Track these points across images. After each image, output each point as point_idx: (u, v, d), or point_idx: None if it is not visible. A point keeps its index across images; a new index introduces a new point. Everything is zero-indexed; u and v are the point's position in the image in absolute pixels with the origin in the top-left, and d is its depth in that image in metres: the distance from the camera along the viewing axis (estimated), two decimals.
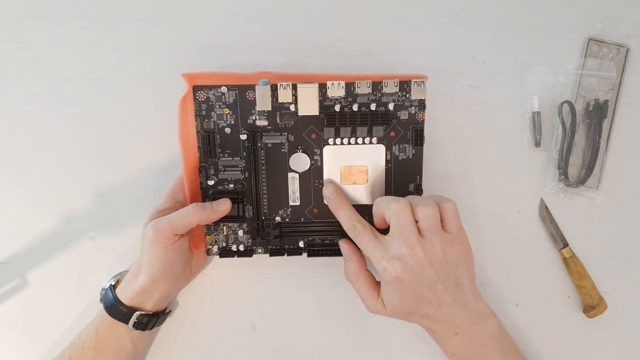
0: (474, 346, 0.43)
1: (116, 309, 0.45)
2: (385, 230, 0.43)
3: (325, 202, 0.47)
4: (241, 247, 0.48)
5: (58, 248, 0.52)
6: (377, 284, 0.45)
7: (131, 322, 0.45)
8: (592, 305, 0.51)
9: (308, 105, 0.44)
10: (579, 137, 0.52)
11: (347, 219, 0.44)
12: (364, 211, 0.47)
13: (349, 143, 0.46)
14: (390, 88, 0.45)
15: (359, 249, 0.45)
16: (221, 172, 0.47)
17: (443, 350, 0.46)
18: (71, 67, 0.51)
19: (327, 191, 0.46)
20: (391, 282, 0.41)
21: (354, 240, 0.44)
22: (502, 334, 0.44)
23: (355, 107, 0.45)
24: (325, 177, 0.47)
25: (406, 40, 0.51)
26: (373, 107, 0.45)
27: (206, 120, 0.46)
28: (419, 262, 0.40)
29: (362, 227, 0.43)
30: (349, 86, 0.45)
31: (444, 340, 0.44)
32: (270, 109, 0.45)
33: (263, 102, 0.44)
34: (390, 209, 0.41)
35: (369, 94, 0.45)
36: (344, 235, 0.48)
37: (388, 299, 0.43)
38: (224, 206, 0.45)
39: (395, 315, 0.44)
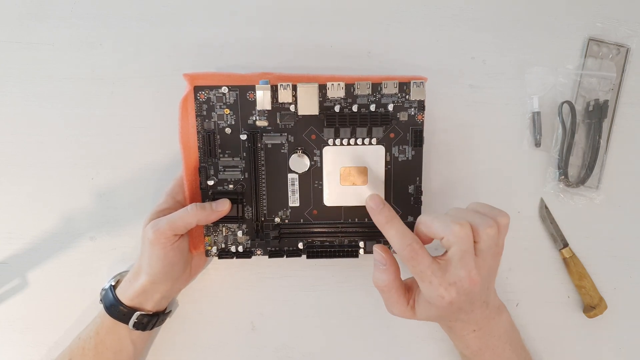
0: (488, 340, 0.43)
1: (116, 309, 0.45)
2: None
3: (370, 214, 0.42)
4: (240, 249, 0.48)
5: (58, 248, 0.52)
6: (408, 290, 0.42)
7: (131, 322, 0.45)
8: (592, 305, 0.51)
9: (308, 105, 0.44)
10: (579, 137, 0.52)
11: (401, 238, 0.39)
12: (364, 213, 0.47)
13: (349, 144, 0.46)
14: (390, 89, 0.45)
15: (393, 257, 0.42)
16: (221, 173, 0.47)
17: (455, 343, 0.45)
18: (71, 67, 0.51)
19: (372, 202, 0.42)
20: (442, 306, 0.39)
21: (407, 262, 0.39)
22: (513, 328, 0.45)
23: (354, 108, 0.45)
24: (324, 179, 0.47)
25: (406, 40, 0.51)
26: (372, 108, 0.45)
27: (207, 120, 0.46)
28: (473, 283, 0.38)
29: (420, 249, 0.38)
30: (349, 87, 0.45)
31: (460, 336, 0.43)
32: (270, 109, 0.45)
33: (263, 101, 0.44)
34: (453, 234, 0.37)
35: (368, 95, 0.45)
36: (345, 237, 0.48)
37: (423, 312, 0.41)
38: (223, 207, 0.45)
39: (422, 320, 0.42)
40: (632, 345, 0.53)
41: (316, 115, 0.45)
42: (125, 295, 0.45)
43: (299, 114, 0.45)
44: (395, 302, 0.42)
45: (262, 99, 0.44)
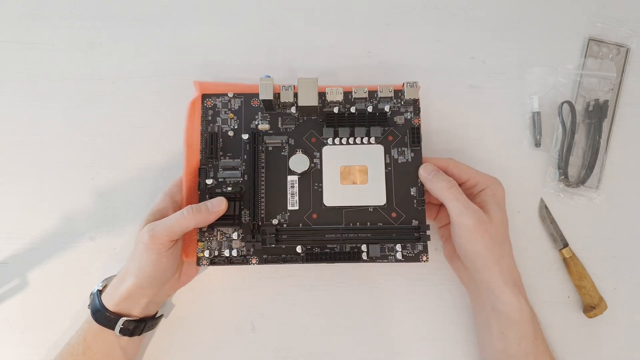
0: (524, 306, 0.44)
1: (102, 315, 0.43)
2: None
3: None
4: (234, 253, 0.46)
5: (58, 248, 0.52)
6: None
7: (117, 328, 0.43)
8: (592, 305, 0.51)
9: (307, 96, 0.45)
10: (579, 137, 0.52)
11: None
12: (365, 215, 0.46)
13: (348, 143, 0.47)
14: (385, 93, 0.47)
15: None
16: (220, 172, 0.47)
17: (488, 310, 0.46)
18: (71, 67, 0.51)
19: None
20: (466, 224, 0.42)
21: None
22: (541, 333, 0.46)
23: (353, 110, 0.46)
24: (324, 178, 0.47)
25: (406, 40, 0.51)
26: (370, 109, 0.46)
27: (211, 125, 0.47)
28: (489, 220, 0.43)
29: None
30: (347, 95, 0.47)
31: (500, 291, 0.44)
32: (272, 98, 0.46)
33: (265, 91, 0.45)
34: (486, 177, 0.45)
35: (365, 98, 0.47)
36: (347, 243, 0.46)
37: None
38: (219, 206, 0.44)
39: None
40: (632, 345, 0.53)
41: (316, 113, 0.46)
42: (111, 300, 0.44)
43: (299, 104, 0.46)
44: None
45: (265, 89, 0.45)
